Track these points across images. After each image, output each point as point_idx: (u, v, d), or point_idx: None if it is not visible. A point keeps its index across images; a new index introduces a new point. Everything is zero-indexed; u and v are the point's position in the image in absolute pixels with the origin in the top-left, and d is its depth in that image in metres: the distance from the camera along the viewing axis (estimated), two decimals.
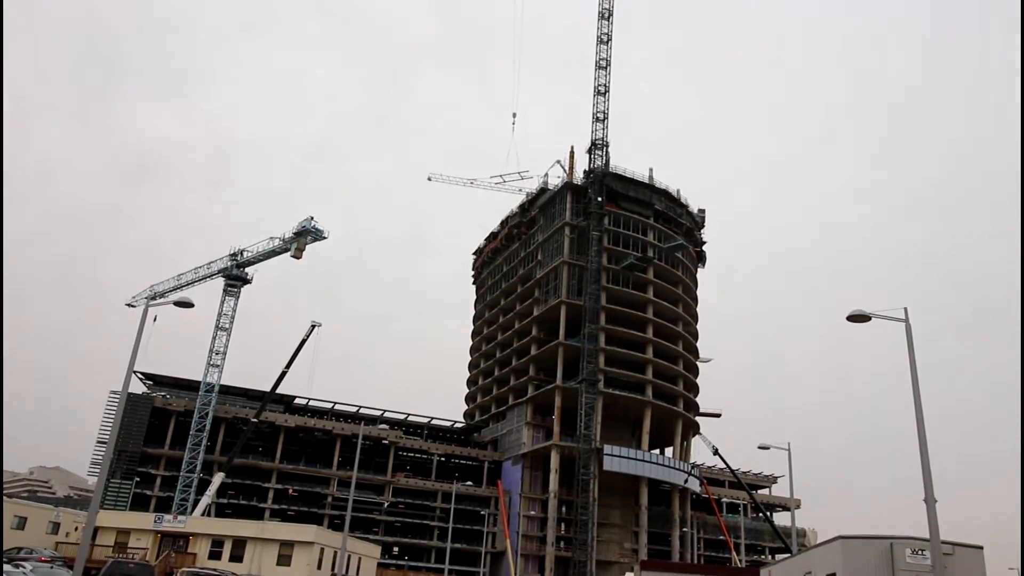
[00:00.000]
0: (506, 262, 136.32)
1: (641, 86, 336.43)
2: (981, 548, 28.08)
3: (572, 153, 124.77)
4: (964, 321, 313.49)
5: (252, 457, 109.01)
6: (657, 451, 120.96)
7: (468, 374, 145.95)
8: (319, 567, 67.91)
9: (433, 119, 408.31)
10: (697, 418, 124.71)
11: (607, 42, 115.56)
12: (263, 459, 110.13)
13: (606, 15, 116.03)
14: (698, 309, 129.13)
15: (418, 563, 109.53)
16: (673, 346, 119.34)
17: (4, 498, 75.47)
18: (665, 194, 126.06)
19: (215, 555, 67.51)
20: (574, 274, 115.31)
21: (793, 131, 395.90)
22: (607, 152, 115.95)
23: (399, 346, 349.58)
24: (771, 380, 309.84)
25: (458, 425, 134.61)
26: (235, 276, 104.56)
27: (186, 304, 37.27)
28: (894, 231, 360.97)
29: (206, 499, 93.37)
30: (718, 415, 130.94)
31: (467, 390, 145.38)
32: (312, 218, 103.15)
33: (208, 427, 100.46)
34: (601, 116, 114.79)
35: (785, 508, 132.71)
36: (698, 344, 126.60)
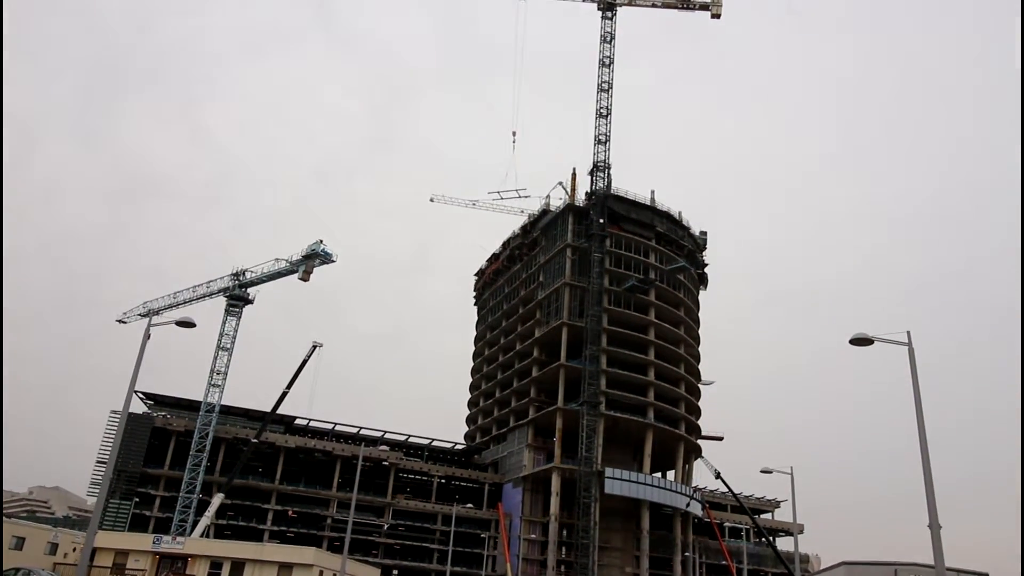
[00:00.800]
0: (508, 283, 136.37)
1: (643, 108, 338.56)
2: (986, 575, 27.90)
3: (574, 175, 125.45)
4: (967, 344, 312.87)
5: (252, 478, 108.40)
6: (659, 474, 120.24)
7: (469, 395, 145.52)
8: None
9: (436, 140, 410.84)
10: (699, 441, 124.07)
11: (609, 65, 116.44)
12: (263, 480, 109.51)
13: (608, 39, 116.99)
14: (700, 331, 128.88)
15: None
16: (675, 368, 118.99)
17: (3, 518, 75.04)
18: (667, 216, 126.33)
19: None
20: (576, 296, 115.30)
21: (794, 154, 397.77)
22: (609, 174, 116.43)
23: (400, 367, 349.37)
24: (773, 403, 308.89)
25: (459, 447, 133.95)
26: (237, 296, 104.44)
27: (187, 324, 37.36)
28: (895, 254, 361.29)
29: (205, 520, 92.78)
30: (720, 438, 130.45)
31: (468, 411, 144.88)
32: (321, 241, 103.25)
33: (208, 447, 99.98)
34: (603, 138, 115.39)
35: (788, 533, 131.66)
36: (700, 366, 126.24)
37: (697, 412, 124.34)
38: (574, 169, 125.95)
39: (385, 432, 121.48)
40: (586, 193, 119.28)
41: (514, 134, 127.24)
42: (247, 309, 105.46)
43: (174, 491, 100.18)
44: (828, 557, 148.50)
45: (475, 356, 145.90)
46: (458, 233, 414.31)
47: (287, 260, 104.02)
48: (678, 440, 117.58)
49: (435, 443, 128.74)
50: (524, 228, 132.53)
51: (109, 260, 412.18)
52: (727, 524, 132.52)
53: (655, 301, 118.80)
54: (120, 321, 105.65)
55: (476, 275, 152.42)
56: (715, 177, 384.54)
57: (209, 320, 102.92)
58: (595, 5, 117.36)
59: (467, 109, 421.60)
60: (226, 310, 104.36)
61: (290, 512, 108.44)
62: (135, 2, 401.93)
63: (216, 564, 68.84)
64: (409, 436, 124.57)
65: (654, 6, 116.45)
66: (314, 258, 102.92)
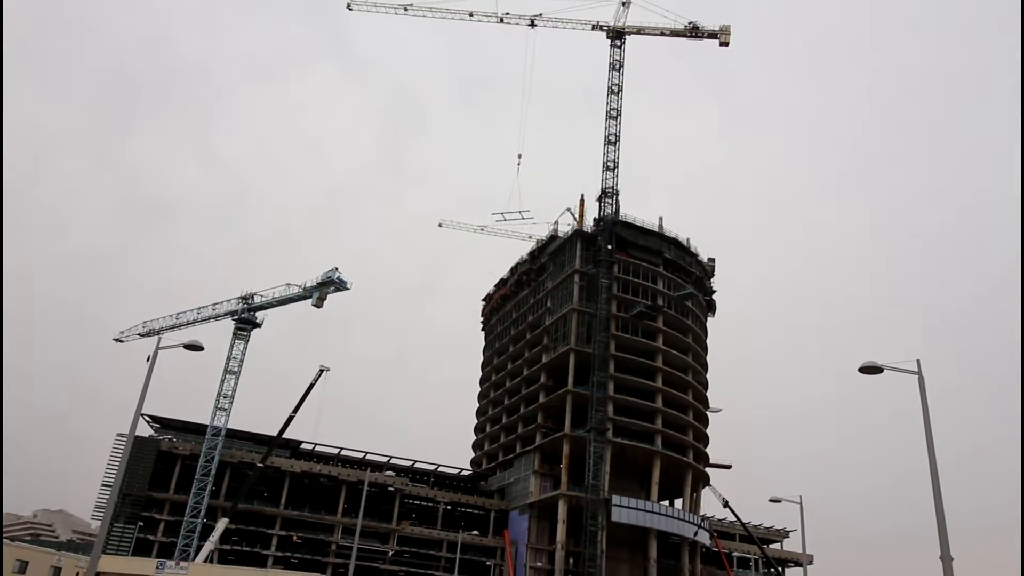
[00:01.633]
0: (515, 309, 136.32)
1: (653, 135, 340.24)
2: None
3: (582, 201, 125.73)
4: (981, 372, 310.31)
5: (257, 503, 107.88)
6: (666, 503, 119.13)
7: (476, 421, 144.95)
8: None
9: (446, 165, 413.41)
10: (707, 469, 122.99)
11: (617, 93, 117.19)
12: (268, 505, 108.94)
13: (616, 67, 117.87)
14: (708, 358, 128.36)
15: None
16: (683, 395, 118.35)
17: (5, 541, 74.79)
18: (675, 243, 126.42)
19: None
20: (583, 322, 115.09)
21: (802, 180, 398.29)
22: (617, 200, 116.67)
23: (407, 392, 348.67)
24: (782, 431, 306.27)
25: (465, 473, 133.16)
26: (245, 320, 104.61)
27: (195, 347, 37.45)
28: (904, 280, 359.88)
29: (209, 545, 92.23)
30: (728, 466, 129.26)
31: (474, 437, 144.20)
32: (336, 269, 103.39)
33: (214, 471, 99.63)
34: (611, 165, 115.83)
35: (797, 563, 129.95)
36: (708, 394, 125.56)
37: (705, 440, 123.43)
38: (582, 195, 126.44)
39: (391, 457, 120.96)
40: (594, 219, 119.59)
41: (519, 157, 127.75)
42: (254, 332, 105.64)
43: (179, 515, 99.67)
44: None
45: (482, 381, 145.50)
46: (466, 258, 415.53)
47: (300, 286, 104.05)
48: (686, 468, 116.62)
49: (441, 469, 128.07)
50: (532, 254, 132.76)
51: (117, 281, 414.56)
52: (735, 554, 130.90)
53: (663, 328, 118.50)
54: (117, 340, 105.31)
55: (483, 300, 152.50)
56: (725, 203, 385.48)
57: (216, 342, 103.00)
58: (604, 34, 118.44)
59: (477, 135, 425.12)
60: (234, 333, 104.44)
61: (295, 538, 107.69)
62: (148, 24, 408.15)
63: None
64: (415, 461, 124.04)
65: (663, 35, 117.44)
66: (328, 285, 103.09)
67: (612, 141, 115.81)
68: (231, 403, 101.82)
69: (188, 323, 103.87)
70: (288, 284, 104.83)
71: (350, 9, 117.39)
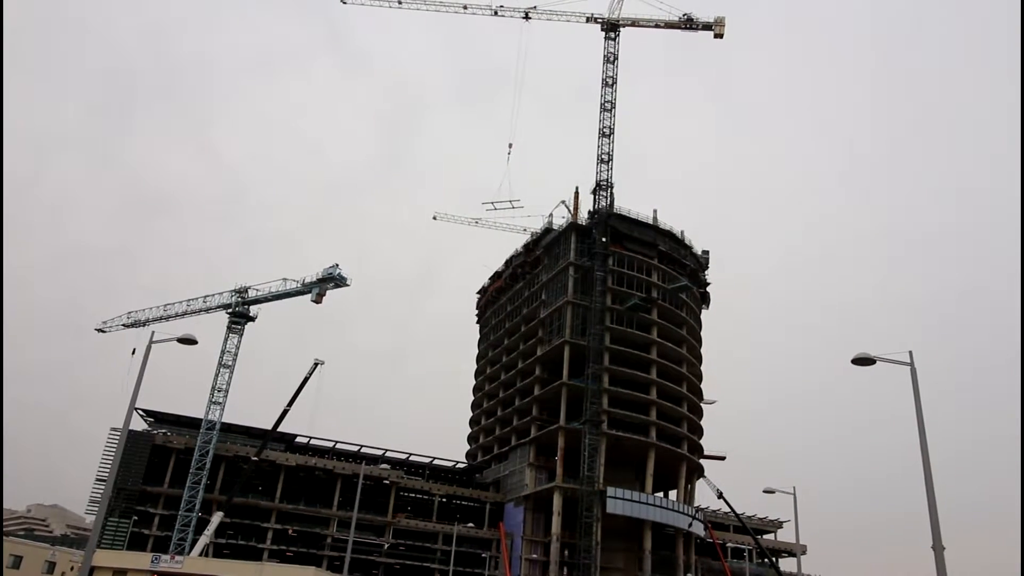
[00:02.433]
0: (510, 301, 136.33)
1: (647, 127, 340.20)
2: None
3: (577, 194, 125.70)
4: (976, 366, 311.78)
5: (252, 496, 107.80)
6: (661, 494, 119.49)
7: (471, 414, 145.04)
8: None
9: (444, 159, 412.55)
10: (701, 460, 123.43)
11: (612, 85, 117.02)
12: (263, 498, 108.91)
13: (611, 59, 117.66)
14: (702, 350, 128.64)
15: None
16: (677, 387, 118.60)
17: (2, 537, 74.72)
18: (669, 235, 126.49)
19: None
20: (578, 314, 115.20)
21: (798, 174, 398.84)
22: (611, 193, 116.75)
23: (402, 385, 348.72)
24: (775, 422, 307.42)
25: (460, 465, 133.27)
26: (239, 313, 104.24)
27: (189, 341, 37.38)
28: (899, 275, 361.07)
29: (204, 539, 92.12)
30: (722, 458, 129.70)
31: (470, 430, 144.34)
32: (337, 265, 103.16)
33: (208, 465, 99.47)
34: (605, 157, 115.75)
35: (791, 553, 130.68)
36: (702, 386, 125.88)
37: (699, 431, 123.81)
38: (576, 188, 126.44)
39: (386, 450, 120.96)
40: (589, 212, 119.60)
41: (510, 146, 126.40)
42: (249, 326, 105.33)
43: (173, 509, 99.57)
44: None
45: (477, 374, 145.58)
46: (462, 252, 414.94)
47: (299, 281, 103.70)
48: (680, 459, 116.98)
49: (436, 462, 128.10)
50: (527, 246, 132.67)
51: (116, 278, 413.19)
52: (729, 544, 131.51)
53: (657, 320, 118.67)
54: (100, 330, 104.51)
55: (478, 293, 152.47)
56: (719, 196, 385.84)
57: (209, 336, 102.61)
58: (599, 26, 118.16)
59: (475, 129, 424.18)
60: (228, 327, 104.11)
61: (290, 531, 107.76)
62: (146, 21, 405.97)
63: None
64: (410, 454, 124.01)
65: (657, 26, 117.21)
66: (328, 281, 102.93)
67: (607, 134, 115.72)
68: (225, 397, 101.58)
69: (177, 315, 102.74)
70: (285, 279, 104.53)
71: (344, 3, 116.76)
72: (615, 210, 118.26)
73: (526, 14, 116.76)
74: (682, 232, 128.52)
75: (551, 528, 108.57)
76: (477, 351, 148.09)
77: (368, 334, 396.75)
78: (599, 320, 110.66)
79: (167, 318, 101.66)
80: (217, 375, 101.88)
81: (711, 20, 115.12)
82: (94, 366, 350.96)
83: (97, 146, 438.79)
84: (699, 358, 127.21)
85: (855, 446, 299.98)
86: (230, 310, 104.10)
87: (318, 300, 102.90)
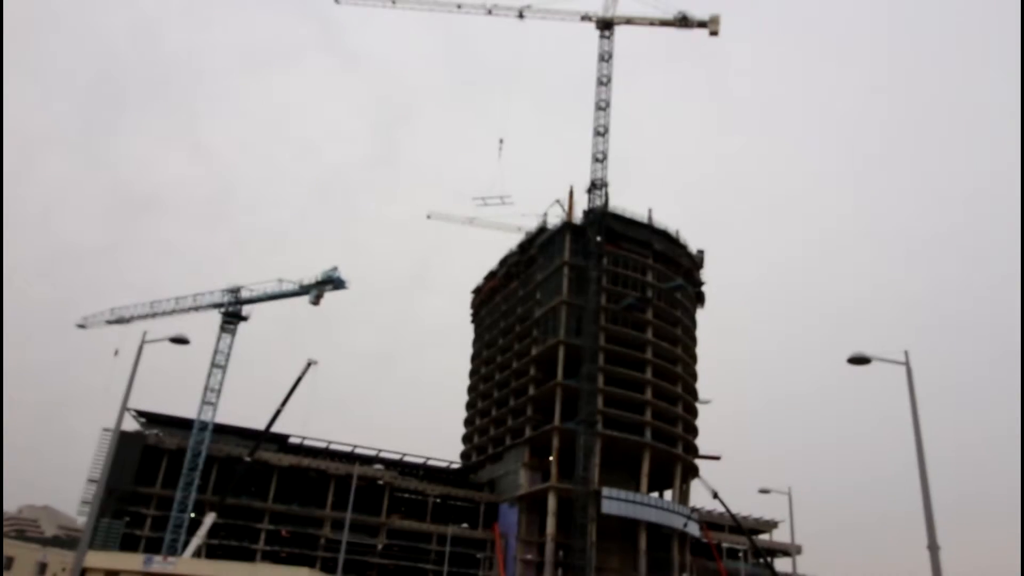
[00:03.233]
0: (505, 301, 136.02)
1: (642, 126, 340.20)
2: None
3: (571, 193, 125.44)
4: (971, 365, 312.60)
5: (245, 497, 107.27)
6: (656, 494, 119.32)
7: (465, 414, 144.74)
8: None
9: (438, 158, 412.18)
10: (697, 461, 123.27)
11: (607, 84, 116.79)
12: (256, 499, 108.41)
13: (606, 57, 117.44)
14: (697, 350, 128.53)
15: None
16: (672, 387, 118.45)
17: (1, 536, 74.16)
18: (664, 235, 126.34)
19: None
20: (573, 314, 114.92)
21: (796, 172, 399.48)
22: (606, 192, 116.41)
23: (396, 385, 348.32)
24: (771, 422, 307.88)
25: (454, 466, 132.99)
26: (232, 313, 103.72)
27: (181, 341, 37.01)
28: (896, 274, 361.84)
29: (197, 540, 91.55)
30: (718, 458, 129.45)
31: (464, 430, 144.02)
32: (336, 268, 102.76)
33: (201, 466, 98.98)
34: (600, 156, 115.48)
35: (786, 553, 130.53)
36: (697, 386, 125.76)
37: (695, 431, 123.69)
38: (571, 187, 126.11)
39: (380, 451, 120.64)
40: (584, 211, 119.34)
41: (501, 141, 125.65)
42: (242, 326, 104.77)
43: (166, 510, 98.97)
44: None
45: (471, 374, 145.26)
46: (456, 251, 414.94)
47: (296, 283, 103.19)
48: (675, 459, 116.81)
49: (430, 462, 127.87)
50: (521, 246, 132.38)
51: (106, 277, 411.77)
52: (725, 545, 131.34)
53: (652, 320, 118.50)
54: (81, 326, 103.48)
55: (473, 293, 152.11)
56: (715, 196, 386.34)
57: (200, 335, 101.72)
58: (593, 24, 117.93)
59: (469, 128, 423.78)
60: (220, 327, 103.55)
61: (283, 532, 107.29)
62: (137, 19, 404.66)
63: None
64: (404, 455, 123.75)
65: (652, 24, 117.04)
66: (327, 284, 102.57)
67: (601, 132, 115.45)
68: (218, 397, 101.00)
69: (164, 313, 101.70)
70: (280, 279, 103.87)
71: (338, 2, 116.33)
72: (610, 209, 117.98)
73: (520, 13, 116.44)
74: (677, 231, 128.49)
75: (546, 529, 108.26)
76: (471, 351, 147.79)
77: (362, 334, 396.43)
78: (594, 320, 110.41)
79: (154, 315, 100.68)
80: (210, 375, 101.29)
81: (706, 18, 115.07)
82: (85, 366, 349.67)
83: (84, 145, 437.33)
84: (694, 358, 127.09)
85: (851, 446, 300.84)
86: (222, 309, 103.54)
87: (316, 302, 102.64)
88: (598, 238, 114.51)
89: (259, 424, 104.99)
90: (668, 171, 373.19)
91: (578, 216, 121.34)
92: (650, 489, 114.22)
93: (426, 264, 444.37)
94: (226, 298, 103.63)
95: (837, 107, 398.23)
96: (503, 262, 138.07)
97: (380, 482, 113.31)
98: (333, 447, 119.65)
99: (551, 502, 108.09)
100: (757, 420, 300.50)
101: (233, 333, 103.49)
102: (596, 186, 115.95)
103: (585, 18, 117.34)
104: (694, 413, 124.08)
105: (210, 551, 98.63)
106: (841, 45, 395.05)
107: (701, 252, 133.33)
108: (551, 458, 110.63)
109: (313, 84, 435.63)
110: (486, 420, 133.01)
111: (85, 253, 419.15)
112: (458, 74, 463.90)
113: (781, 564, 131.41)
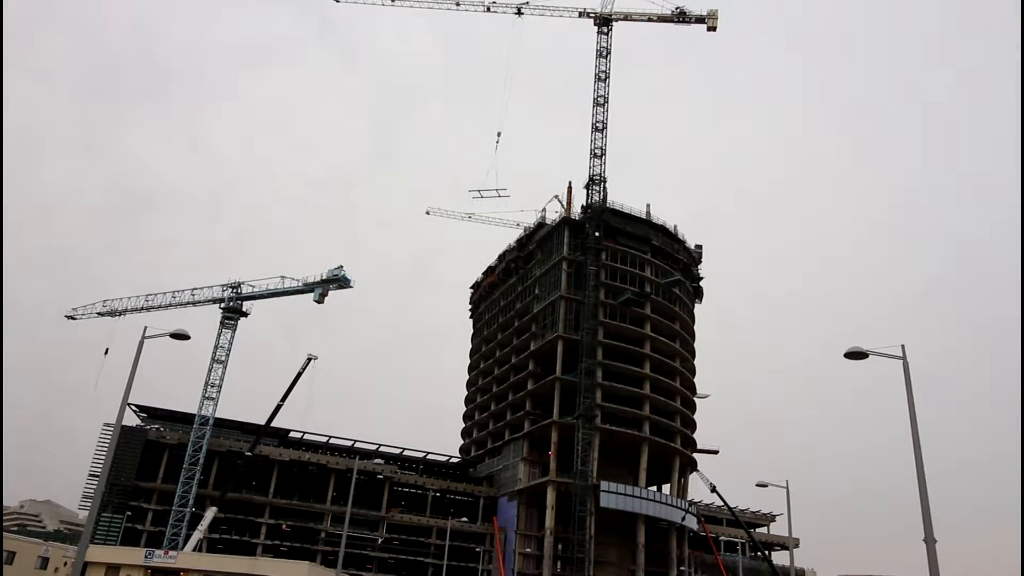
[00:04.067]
0: (503, 296, 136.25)
1: (640, 122, 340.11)
2: None
3: (570, 188, 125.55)
4: (966, 357, 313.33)
5: (245, 491, 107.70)
6: (654, 488, 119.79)
7: (464, 408, 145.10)
8: None
9: (437, 154, 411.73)
10: (695, 454, 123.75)
11: (605, 80, 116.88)
12: (256, 494, 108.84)
13: (604, 53, 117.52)
14: (695, 345, 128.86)
15: None
16: (670, 382, 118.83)
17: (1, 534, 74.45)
18: (662, 230, 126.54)
19: None
20: (571, 309, 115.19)
21: (793, 166, 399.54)
22: (604, 187, 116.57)
23: (396, 380, 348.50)
24: (769, 416, 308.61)
25: (454, 460, 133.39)
26: (232, 309, 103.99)
27: (182, 336, 37.23)
28: (894, 268, 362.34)
29: (198, 534, 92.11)
30: (716, 452, 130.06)
31: (463, 425, 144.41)
32: (342, 267, 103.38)
33: (202, 461, 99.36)
34: (598, 152, 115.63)
35: (784, 547, 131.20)
36: (695, 380, 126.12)
37: (693, 425, 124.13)
38: (570, 182, 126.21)
39: (380, 445, 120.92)
40: (582, 206, 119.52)
41: (498, 134, 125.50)
42: (242, 321, 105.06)
43: (167, 505, 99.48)
44: (824, 572, 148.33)
45: (471, 369, 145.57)
46: (455, 247, 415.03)
47: (301, 281, 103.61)
48: (674, 453, 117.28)
49: (430, 456, 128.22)
50: (520, 241, 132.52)
51: (107, 273, 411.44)
52: (723, 538, 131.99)
53: (651, 314, 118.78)
54: (70, 317, 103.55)
55: (472, 288, 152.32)
56: (713, 191, 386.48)
57: (200, 329, 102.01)
58: (591, 21, 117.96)
59: (468, 124, 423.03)
60: (221, 322, 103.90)
61: (284, 526, 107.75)
62: (137, 14, 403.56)
63: None
64: (404, 449, 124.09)
65: (650, 20, 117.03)
66: (332, 282, 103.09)
67: (599, 128, 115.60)
68: (219, 392, 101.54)
69: (160, 307, 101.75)
70: (283, 276, 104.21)
71: (337, 1, 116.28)
72: (608, 205, 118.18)
73: (519, 9, 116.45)
74: (675, 227, 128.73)
75: (545, 522, 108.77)
76: (471, 346, 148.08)
77: (361, 329, 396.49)
78: (592, 315, 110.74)
79: (148, 309, 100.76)
80: (210, 370, 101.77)
81: (704, 13, 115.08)
82: (87, 362, 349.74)
83: (85, 140, 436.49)
84: (692, 353, 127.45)
85: (848, 440, 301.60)
86: (223, 305, 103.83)
87: (320, 300, 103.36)
88: (596, 233, 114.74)
89: (260, 419, 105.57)
90: (667, 167, 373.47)
91: (576, 212, 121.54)
92: (648, 483, 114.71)
93: (425, 260, 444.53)
94: (226, 294, 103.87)
95: (836, 102, 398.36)
96: (502, 258, 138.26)
97: (380, 476, 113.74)
98: (333, 442, 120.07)
99: (550, 496, 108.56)
100: (755, 414, 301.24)
101: (233, 329, 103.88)
102: (594, 181, 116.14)
103: (583, 14, 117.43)
104: (692, 407, 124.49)
105: (211, 545, 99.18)
106: (840, 40, 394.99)
107: (699, 247, 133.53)
108: (550, 452, 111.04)
109: (312, 81, 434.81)
110: (485, 415, 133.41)
111: (85, 249, 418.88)
112: (457, 71, 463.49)
113: (778, 557, 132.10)
